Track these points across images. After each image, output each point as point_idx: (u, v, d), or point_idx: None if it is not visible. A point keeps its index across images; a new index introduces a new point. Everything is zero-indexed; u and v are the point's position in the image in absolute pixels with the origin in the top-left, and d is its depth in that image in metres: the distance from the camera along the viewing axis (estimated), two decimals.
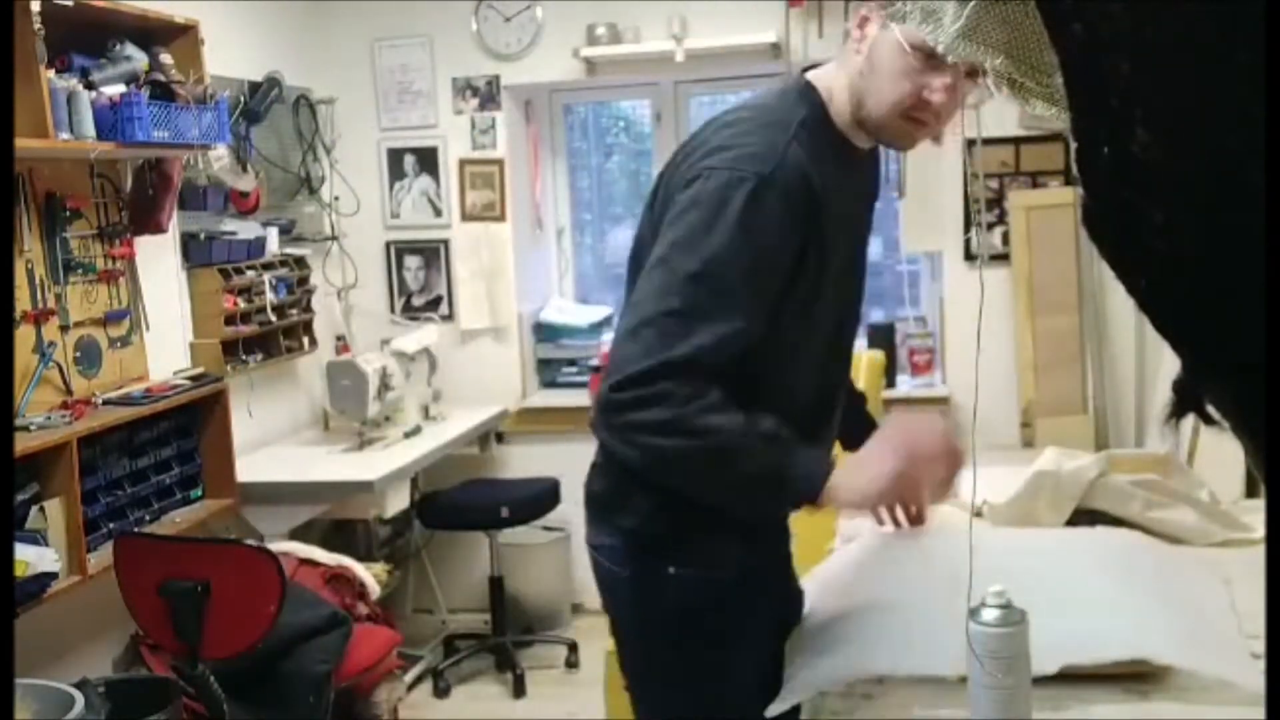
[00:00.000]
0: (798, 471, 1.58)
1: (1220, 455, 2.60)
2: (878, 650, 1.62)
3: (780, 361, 1.65)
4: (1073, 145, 0.77)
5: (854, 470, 1.63)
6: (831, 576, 1.94)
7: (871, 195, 1.86)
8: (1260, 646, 1.53)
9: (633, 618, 1.79)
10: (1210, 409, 0.79)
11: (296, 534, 3.68)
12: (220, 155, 3.64)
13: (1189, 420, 0.81)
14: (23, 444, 2.66)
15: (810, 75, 1.73)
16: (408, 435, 4.07)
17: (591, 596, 4.82)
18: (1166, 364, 3.47)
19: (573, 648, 4.20)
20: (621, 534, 1.75)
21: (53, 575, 2.67)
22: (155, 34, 3.21)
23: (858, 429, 1.88)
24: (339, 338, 4.41)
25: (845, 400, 1.89)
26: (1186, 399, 0.80)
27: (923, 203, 4.13)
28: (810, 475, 1.57)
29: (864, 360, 3.38)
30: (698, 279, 1.54)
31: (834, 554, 2.09)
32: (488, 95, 4.43)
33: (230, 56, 3.74)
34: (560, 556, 4.48)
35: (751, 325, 1.56)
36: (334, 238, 4.48)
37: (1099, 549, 1.95)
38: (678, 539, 1.71)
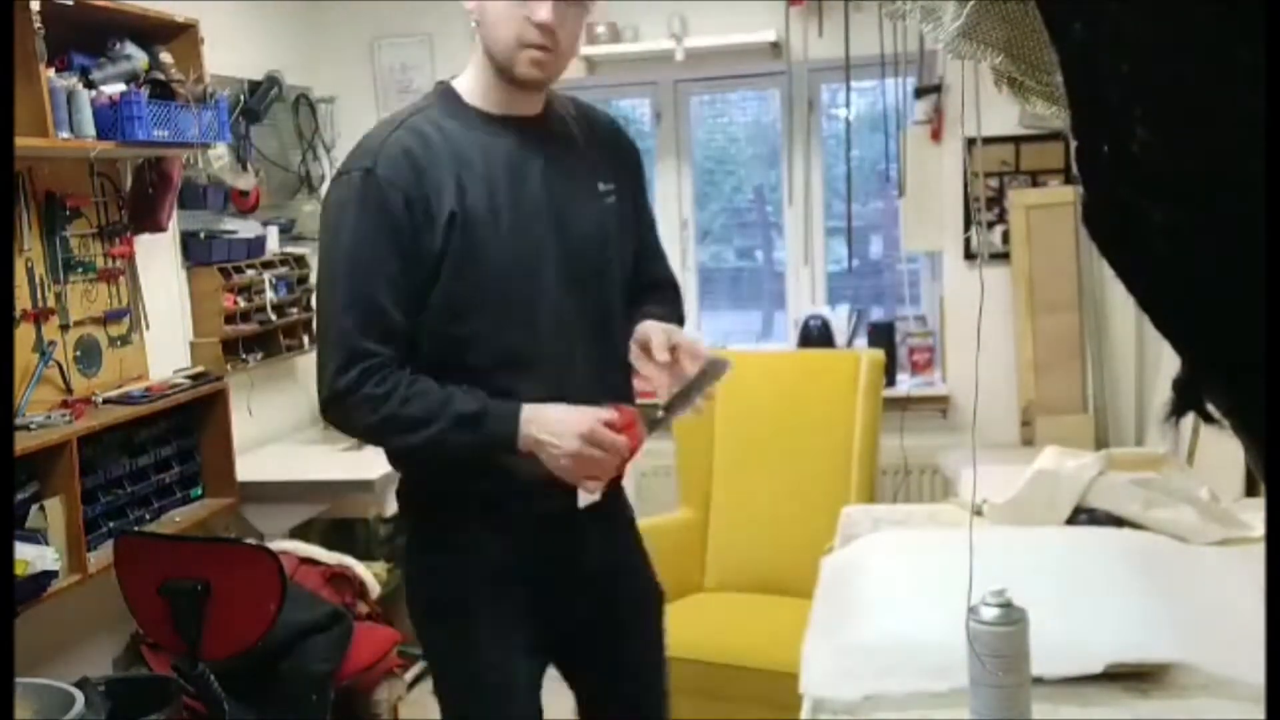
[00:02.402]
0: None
1: (1220, 455, 2.60)
2: (895, 670, 1.60)
3: (454, 317, 1.76)
4: (1072, 144, 0.77)
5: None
6: (839, 582, 1.93)
7: (574, 157, 1.87)
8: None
9: (409, 597, 1.95)
10: (1210, 408, 0.79)
11: (296, 533, 3.68)
12: (220, 154, 3.64)
13: (1189, 420, 0.81)
14: (23, 443, 2.67)
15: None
16: None
17: None
18: (1166, 364, 3.47)
19: None
20: (409, 524, 1.95)
21: (53, 574, 2.67)
22: (155, 33, 3.21)
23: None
24: None
25: (654, 301, 1.96)
26: (1186, 398, 0.80)
27: (922, 202, 4.13)
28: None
29: (864, 359, 3.38)
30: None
31: (836, 554, 2.09)
32: None
33: (230, 55, 3.74)
34: None
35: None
36: None
37: (1101, 548, 1.95)
38: (443, 530, 1.87)
